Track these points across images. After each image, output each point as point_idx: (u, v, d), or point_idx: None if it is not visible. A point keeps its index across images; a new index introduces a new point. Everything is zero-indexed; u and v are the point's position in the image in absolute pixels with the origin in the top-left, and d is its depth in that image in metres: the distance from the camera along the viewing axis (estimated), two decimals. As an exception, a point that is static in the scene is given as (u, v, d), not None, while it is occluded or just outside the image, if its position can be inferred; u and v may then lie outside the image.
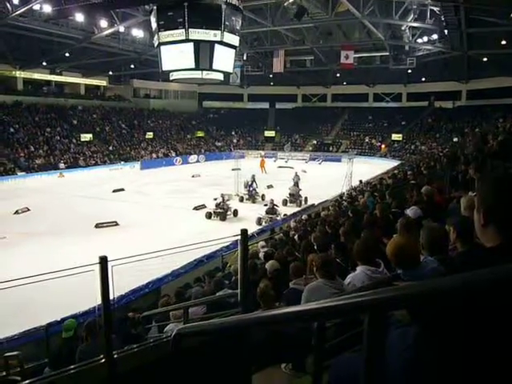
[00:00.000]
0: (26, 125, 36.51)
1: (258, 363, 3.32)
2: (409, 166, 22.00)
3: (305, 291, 3.55)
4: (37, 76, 39.40)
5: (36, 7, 24.65)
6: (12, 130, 34.95)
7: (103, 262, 2.40)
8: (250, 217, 19.51)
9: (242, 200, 23.54)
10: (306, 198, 22.42)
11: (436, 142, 38.77)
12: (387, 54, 36.38)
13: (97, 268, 2.40)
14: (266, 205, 20.44)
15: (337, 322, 2.88)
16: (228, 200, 20.59)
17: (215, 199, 20.11)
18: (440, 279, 1.01)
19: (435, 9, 24.92)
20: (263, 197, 23.45)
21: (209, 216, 19.83)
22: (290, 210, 20.33)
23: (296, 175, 24.89)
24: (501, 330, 0.99)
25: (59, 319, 7.80)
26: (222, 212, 19.75)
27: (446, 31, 27.86)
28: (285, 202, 22.15)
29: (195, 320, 4.71)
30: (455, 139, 34.20)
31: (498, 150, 9.75)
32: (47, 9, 24.35)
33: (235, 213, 20.27)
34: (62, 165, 34.05)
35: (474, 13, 23.01)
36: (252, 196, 23.64)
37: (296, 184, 23.91)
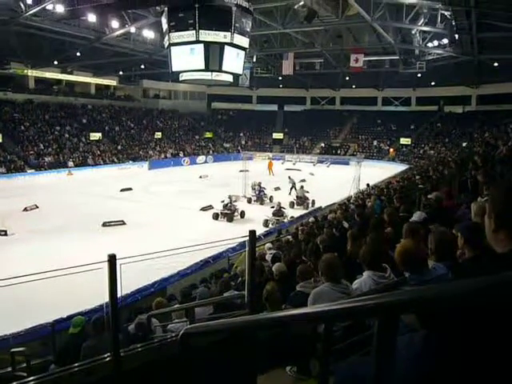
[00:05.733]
0: (37, 123, 36.86)
1: (263, 365, 3.31)
2: (417, 171, 21.88)
3: (311, 296, 3.54)
4: (48, 75, 39.84)
5: (49, 7, 24.87)
6: (22, 127, 35.29)
7: (112, 260, 2.41)
8: (257, 218, 19.52)
9: (250, 201, 23.57)
10: (313, 201, 22.37)
11: (445, 147, 38.53)
12: (397, 57, 36.25)
13: (105, 266, 2.42)
14: (273, 207, 20.42)
15: (343, 326, 2.87)
16: (235, 201, 20.60)
17: (222, 201, 20.13)
18: (451, 283, 1.00)
19: (446, 13, 24.73)
20: (271, 198, 23.43)
21: (216, 217, 19.83)
22: (298, 212, 20.30)
23: (290, 179, 25.09)
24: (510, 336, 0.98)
25: (65, 316, 7.84)
26: (228, 213, 19.75)
27: (456, 36, 27.65)
28: (292, 205, 22.13)
29: (201, 320, 4.71)
30: (464, 144, 33.96)
31: (508, 156, 9.67)
32: (60, 9, 24.54)
33: (242, 214, 20.27)
34: (70, 163, 34.31)
35: (485, 17, 22.83)
36: (260, 197, 23.66)
37: (293, 187, 24.12)
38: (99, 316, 4.77)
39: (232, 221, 19.53)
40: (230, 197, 20.26)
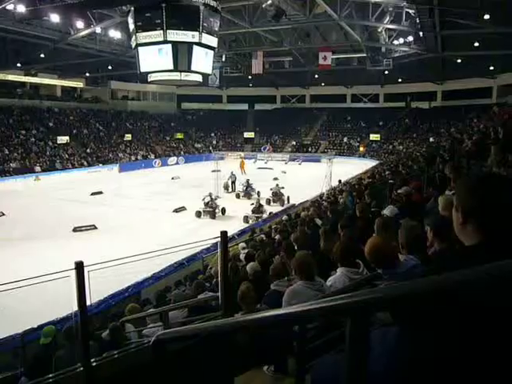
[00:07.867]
0: (0, 127, 35.67)
1: (239, 366, 3.29)
2: (387, 166, 22.27)
3: (285, 295, 3.52)
4: (11, 77, 38.60)
5: (9, 7, 24.05)
6: (-15, 132, 34.15)
7: (79, 267, 2.34)
8: (239, 215, 19.92)
9: (238, 196, 24.50)
10: (288, 197, 22.59)
11: (413, 142, 39.38)
12: (364, 55, 36.77)
13: (73, 273, 2.34)
14: (252, 203, 20.52)
15: (318, 324, 2.87)
16: (216, 199, 20.95)
17: (203, 199, 20.46)
18: (421, 280, 1.01)
19: (410, 11, 25.25)
20: (259, 193, 23.36)
21: (198, 215, 20.10)
22: (275, 208, 20.65)
23: (232, 174, 26.35)
24: (482, 329, 0.99)
25: (36, 326, 7.61)
26: (211, 211, 20.12)
27: (421, 33, 28.29)
28: (268, 202, 22.31)
29: (176, 324, 4.66)
30: (431, 139, 34.79)
31: (473, 150, 9.96)
32: (21, 9, 23.74)
33: (223, 211, 20.70)
34: (38, 168, 33.37)
35: (447, 15, 23.44)
36: (248, 193, 24.28)
37: (233, 183, 25.85)
38: (71, 325, 4.66)
39: (215, 218, 19.88)
40: (210, 194, 20.65)
